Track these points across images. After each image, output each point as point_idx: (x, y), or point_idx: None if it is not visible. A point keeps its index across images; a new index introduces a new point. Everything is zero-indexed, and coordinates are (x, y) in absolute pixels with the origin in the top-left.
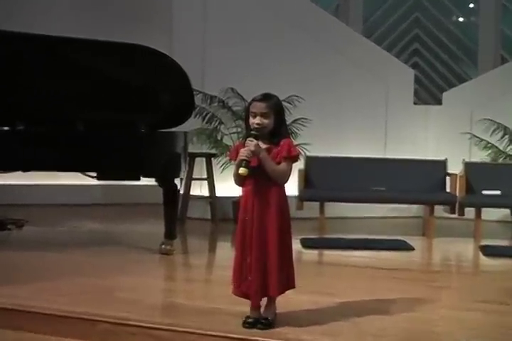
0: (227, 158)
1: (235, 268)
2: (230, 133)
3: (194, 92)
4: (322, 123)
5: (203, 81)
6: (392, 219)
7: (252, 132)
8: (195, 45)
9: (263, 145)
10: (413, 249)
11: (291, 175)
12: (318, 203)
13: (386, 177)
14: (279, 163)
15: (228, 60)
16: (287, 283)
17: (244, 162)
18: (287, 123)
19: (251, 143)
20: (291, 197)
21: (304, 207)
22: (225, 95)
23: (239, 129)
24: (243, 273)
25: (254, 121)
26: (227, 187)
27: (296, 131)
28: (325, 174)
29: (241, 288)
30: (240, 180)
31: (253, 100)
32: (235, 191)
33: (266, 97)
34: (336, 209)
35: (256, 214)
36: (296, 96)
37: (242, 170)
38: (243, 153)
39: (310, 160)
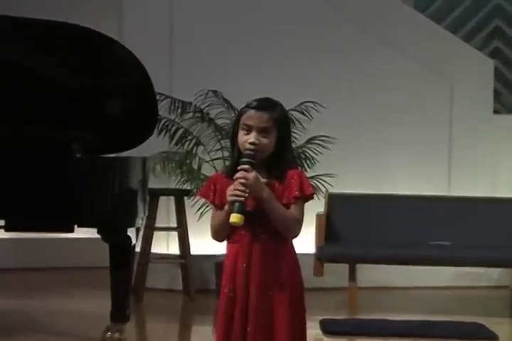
0: (198, 195)
1: None
2: (213, 159)
3: (158, 97)
4: (352, 143)
5: (171, 81)
6: (463, 291)
7: (245, 159)
8: (159, 27)
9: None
10: (497, 338)
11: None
12: (346, 266)
13: (451, 226)
14: (286, 206)
15: (208, 50)
16: None
17: (238, 204)
18: (298, 143)
19: (248, 175)
20: (305, 255)
21: (326, 271)
22: (205, 102)
23: (225, 153)
24: None
25: (248, 138)
26: (208, 242)
27: (313, 154)
28: (357, 221)
29: None
30: (222, 231)
31: (248, 107)
32: (220, 247)
33: (268, 105)
34: (374, 274)
35: (254, 286)
36: (313, 102)
37: (235, 218)
38: (236, 190)
39: (334, 200)
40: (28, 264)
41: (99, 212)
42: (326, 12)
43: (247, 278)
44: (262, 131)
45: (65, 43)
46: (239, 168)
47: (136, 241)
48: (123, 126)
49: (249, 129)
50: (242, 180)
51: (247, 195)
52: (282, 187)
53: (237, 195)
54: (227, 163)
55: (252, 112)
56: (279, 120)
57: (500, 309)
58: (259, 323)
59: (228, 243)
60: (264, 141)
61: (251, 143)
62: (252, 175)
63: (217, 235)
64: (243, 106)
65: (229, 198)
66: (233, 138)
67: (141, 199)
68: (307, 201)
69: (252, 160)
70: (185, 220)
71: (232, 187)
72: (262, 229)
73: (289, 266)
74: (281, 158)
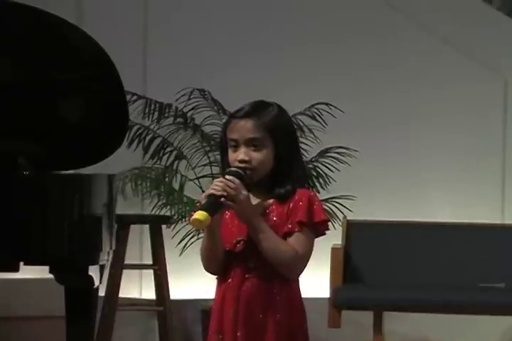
0: (187, 222)
1: None
2: (199, 177)
3: (128, 98)
4: (378, 156)
5: (146, 77)
6: None
7: (232, 169)
8: (130, 10)
9: (254, 201)
10: None
11: (310, 258)
12: (370, 314)
13: (507, 263)
14: (287, 235)
15: (193, 39)
16: None
17: (209, 199)
18: (308, 157)
19: (230, 183)
20: (316, 300)
21: (344, 321)
22: (189, 104)
23: (215, 169)
24: None
25: (237, 156)
26: (192, 283)
27: (328, 171)
28: (383, 256)
29: None
30: (212, 256)
31: (231, 116)
32: (208, 290)
33: (253, 109)
34: (406, 326)
35: (241, 337)
36: (327, 104)
37: (197, 215)
38: (217, 185)
39: (354, 230)
40: None
41: (52, 246)
42: None
43: (235, 321)
44: (251, 144)
45: (19, 28)
46: (226, 174)
47: (101, 282)
48: (83, 134)
49: (236, 144)
50: (220, 185)
51: (227, 193)
52: (287, 212)
53: (219, 189)
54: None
55: (234, 122)
56: (271, 127)
57: None
58: None
59: (217, 282)
60: (257, 155)
61: (240, 161)
62: (236, 181)
63: (207, 262)
64: (228, 116)
65: (205, 193)
66: (222, 156)
67: (106, 229)
68: (319, 233)
69: (240, 171)
70: (164, 256)
71: (215, 181)
72: (257, 264)
73: (293, 314)
74: (285, 176)
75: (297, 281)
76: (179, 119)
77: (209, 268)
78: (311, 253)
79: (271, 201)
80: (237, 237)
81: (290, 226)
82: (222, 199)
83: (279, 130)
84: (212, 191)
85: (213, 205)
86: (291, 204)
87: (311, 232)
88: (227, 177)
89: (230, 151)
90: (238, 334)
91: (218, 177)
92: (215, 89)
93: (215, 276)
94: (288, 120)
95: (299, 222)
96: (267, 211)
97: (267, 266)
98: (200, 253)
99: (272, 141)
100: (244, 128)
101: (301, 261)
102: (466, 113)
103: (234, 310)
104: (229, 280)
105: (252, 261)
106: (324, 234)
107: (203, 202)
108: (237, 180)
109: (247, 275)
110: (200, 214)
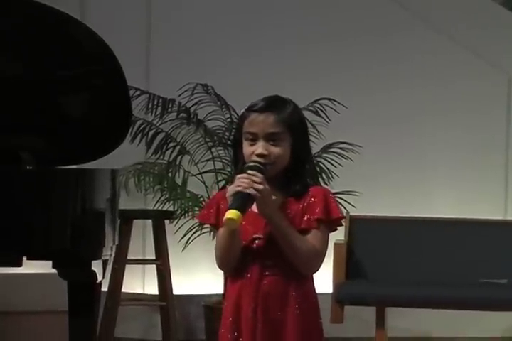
0: (197, 219)
1: None
2: (202, 172)
3: (131, 93)
4: (381, 152)
5: (149, 72)
6: None
7: (252, 164)
8: (133, 4)
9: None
10: None
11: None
12: (373, 309)
13: (508, 259)
14: (304, 232)
15: (196, 33)
16: None
17: (238, 197)
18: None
19: (255, 178)
20: (319, 296)
21: (347, 316)
22: (192, 99)
23: (218, 164)
24: None
25: (255, 150)
26: (195, 278)
27: (331, 166)
28: (386, 252)
29: None
30: (228, 254)
31: (250, 110)
32: (211, 286)
33: (274, 104)
34: (409, 321)
35: (260, 334)
36: (330, 99)
37: (230, 214)
38: (243, 182)
39: (357, 225)
40: None
41: (55, 240)
42: None
43: (255, 326)
44: (271, 138)
45: (20, 23)
46: (248, 169)
47: (103, 277)
48: (86, 130)
49: (254, 138)
50: (246, 181)
51: (254, 188)
52: (302, 209)
53: (245, 185)
54: (220, 176)
55: (254, 116)
56: (290, 123)
57: None
58: None
59: (229, 279)
60: (276, 150)
61: (259, 155)
62: (259, 175)
63: (224, 260)
64: (245, 108)
65: (230, 191)
66: (236, 150)
67: (109, 224)
68: (333, 229)
69: (260, 166)
70: (167, 251)
71: (238, 177)
72: (274, 261)
73: (308, 311)
74: (300, 172)
75: (311, 279)
76: (182, 114)
77: (224, 266)
78: (327, 249)
79: (285, 197)
80: (252, 234)
81: (308, 223)
82: (250, 192)
83: (296, 126)
84: (239, 188)
85: (243, 202)
86: (306, 201)
87: (327, 228)
88: (249, 172)
89: (245, 144)
90: (257, 331)
91: (219, 172)
92: (218, 84)
93: (223, 272)
94: (303, 116)
95: (318, 220)
96: (282, 207)
97: (285, 264)
98: (215, 251)
99: (291, 135)
100: (266, 122)
101: (319, 257)
102: (469, 110)
103: (252, 307)
104: (245, 278)
105: (270, 258)
106: (336, 229)
107: (231, 200)
108: (259, 174)
109: (264, 274)
110: (232, 213)
